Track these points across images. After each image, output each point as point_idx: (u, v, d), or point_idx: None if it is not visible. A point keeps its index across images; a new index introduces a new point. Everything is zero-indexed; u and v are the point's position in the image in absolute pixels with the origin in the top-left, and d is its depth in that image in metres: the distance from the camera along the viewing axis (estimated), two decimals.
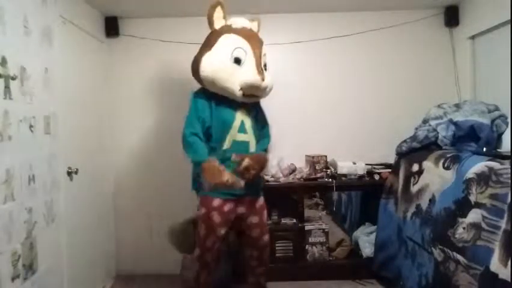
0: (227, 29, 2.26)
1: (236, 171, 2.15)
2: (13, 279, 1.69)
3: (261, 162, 2.27)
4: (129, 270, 3.21)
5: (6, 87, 1.70)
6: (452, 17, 3.09)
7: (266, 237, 2.38)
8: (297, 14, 3.17)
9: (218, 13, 2.27)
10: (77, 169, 2.41)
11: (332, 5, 3.06)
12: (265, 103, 3.20)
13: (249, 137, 2.29)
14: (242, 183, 2.13)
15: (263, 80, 2.19)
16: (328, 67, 3.22)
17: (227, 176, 2.08)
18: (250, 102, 2.31)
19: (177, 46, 3.14)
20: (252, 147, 2.29)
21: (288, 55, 3.20)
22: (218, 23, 2.28)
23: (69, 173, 2.37)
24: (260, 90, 2.23)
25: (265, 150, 2.39)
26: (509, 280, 1.47)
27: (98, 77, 2.97)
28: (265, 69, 2.32)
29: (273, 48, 3.18)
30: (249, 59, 2.22)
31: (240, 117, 2.27)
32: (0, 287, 1.60)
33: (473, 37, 2.96)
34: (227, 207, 2.21)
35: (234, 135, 2.23)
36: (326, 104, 3.22)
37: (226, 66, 2.18)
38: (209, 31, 2.36)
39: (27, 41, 1.91)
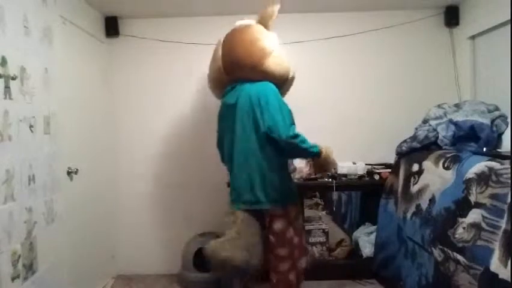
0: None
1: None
2: (13, 279, 1.70)
3: None
4: (129, 270, 3.21)
5: (6, 87, 1.70)
6: (452, 17, 3.09)
7: None
8: (297, 14, 3.17)
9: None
10: (77, 169, 2.42)
11: (332, 5, 3.06)
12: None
13: None
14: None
15: None
16: (328, 67, 3.22)
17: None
18: None
19: (177, 46, 3.14)
20: None
21: (287, 55, 3.20)
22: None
23: (69, 173, 2.37)
24: None
25: None
26: (509, 280, 1.47)
27: (98, 77, 2.97)
28: None
29: None
30: None
31: None
32: (0, 287, 1.60)
33: (473, 37, 2.96)
34: None
35: None
36: (326, 104, 3.22)
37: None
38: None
39: (27, 41, 1.91)
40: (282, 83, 2.28)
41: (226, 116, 2.21)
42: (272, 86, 2.12)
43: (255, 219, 2.05)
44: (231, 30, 2.31)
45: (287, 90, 2.44)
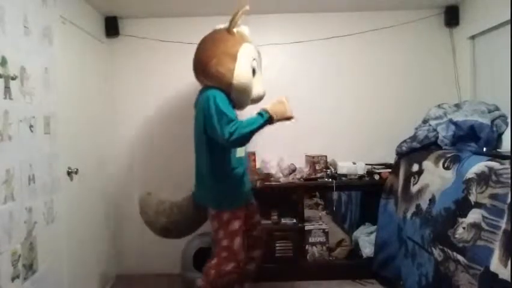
0: (243, 37, 2.25)
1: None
2: (13, 279, 1.69)
3: None
4: (129, 270, 3.21)
5: (6, 87, 1.70)
6: (452, 17, 3.09)
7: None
8: (297, 14, 3.17)
9: (241, 19, 2.22)
10: (77, 169, 2.42)
11: (332, 5, 3.06)
12: (266, 103, 3.20)
13: None
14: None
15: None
16: (328, 67, 3.22)
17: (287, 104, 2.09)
18: None
19: (177, 46, 3.14)
20: None
21: (287, 55, 3.21)
22: (236, 28, 2.23)
23: (69, 173, 2.37)
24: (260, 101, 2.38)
25: None
26: (509, 280, 1.47)
27: (98, 77, 2.97)
28: None
29: (273, 48, 3.20)
30: (258, 71, 2.30)
31: None
32: (0, 287, 1.60)
33: (473, 37, 2.96)
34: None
35: None
36: (326, 104, 3.22)
37: (251, 77, 2.20)
38: (206, 31, 2.35)
39: (27, 41, 1.91)
40: (229, 88, 2.15)
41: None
42: (215, 92, 2.10)
43: (197, 209, 2.30)
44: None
45: (240, 99, 2.23)
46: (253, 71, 2.23)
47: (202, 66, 2.22)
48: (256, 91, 2.28)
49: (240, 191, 2.23)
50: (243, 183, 2.24)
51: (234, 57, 2.14)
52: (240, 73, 2.13)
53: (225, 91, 2.13)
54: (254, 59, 2.24)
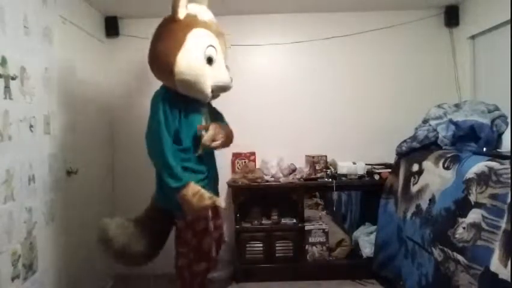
0: (194, 22, 2.02)
1: (203, 143, 2.01)
2: (13, 279, 1.70)
3: (227, 131, 2.19)
4: (128, 270, 3.20)
5: (6, 87, 1.70)
6: (452, 17, 3.09)
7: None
8: (297, 14, 3.17)
9: (183, 0, 1.99)
10: (77, 169, 2.42)
11: (332, 5, 3.06)
12: (266, 103, 3.21)
13: None
14: (222, 202, 2.01)
15: (231, 80, 2.14)
16: (328, 67, 3.22)
17: (210, 198, 1.95)
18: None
19: None
20: None
21: (287, 55, 3.21)
22: (182, 12, 2.00)
23: (69, 173, 2.37)
24: (228, 90, 2.17)
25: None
26: (509, 280, 1.47)
27: (98, 77, 2.98)
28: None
29: (273, 48, 3.20)
30: (219, 58, 2.07)
31: (204, 118, 2.18)
32: (0, 287, 1.60)
33: (473, 37, 2.96)
34: None
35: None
36: (326, 104, 3.22)
37: (202, 67, 1.98)
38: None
39: (27, 41, 1.91)
40: (171, 80, 1.98)
41: None
42: (158, 94, 2.03)
43: (162, 214, 2.17)
44: None
45: (191, 94, 2.05)
46: (210, 60, 2.01)
47: (150, 66, 2.11)
48: (212, 81, 2.03)
49: None
50: (206, 184, 2.09)
51: (176, 51, 1.94)
52: (181, 67, 1.93)
53: (171, 90, 2.02)
54: (210, 46, 2.01)
